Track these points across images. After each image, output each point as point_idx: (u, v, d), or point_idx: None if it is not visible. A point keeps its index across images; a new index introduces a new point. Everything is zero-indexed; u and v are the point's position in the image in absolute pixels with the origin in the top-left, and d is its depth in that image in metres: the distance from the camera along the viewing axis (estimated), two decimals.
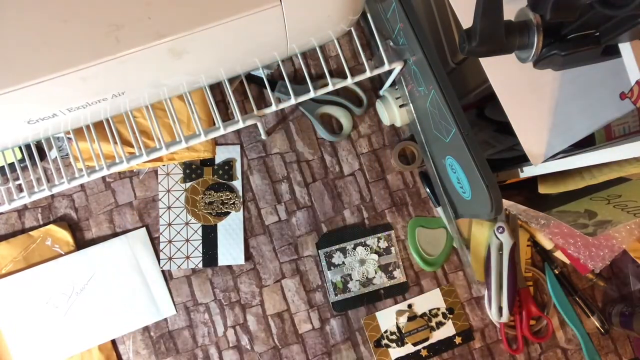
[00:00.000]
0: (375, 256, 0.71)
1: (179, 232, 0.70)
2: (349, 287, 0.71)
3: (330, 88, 0.61)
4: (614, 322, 0.72)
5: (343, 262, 0.71)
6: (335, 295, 0.71)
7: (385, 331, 0.71)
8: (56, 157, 0.64)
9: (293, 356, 0.70)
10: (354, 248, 0.71)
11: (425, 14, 0.67)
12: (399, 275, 0.72)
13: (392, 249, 0.72)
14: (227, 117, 0.72)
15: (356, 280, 0.71)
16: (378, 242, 0.72)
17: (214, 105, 0.60)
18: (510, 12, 0.38)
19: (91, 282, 0.68)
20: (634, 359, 0.74)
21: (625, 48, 0.38)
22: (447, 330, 0.71)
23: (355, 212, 0.73)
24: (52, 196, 0.69)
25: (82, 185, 0.70)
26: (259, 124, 0.66)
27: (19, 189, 0.64)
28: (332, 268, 0.71)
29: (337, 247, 0.71)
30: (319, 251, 0.71)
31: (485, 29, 0.36)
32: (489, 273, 0.71)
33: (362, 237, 0.72)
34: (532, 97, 0.52)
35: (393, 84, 0.69)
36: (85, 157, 0.65)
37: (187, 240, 0.70)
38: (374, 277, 0.71)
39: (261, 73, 0.63)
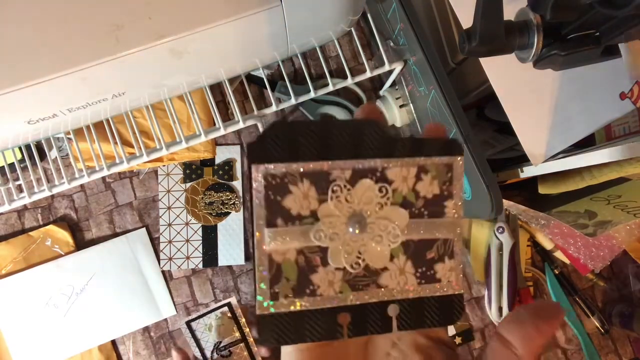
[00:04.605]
0: None
1: (179, 233, 0.70)
2: None
3: (330, 88, 0.61)
4: (614, 322, 0.72)
5: None
6: None
7: None
8: (56, 157, 0.64)
9: None
10: None
11: (425, 14, 0.67)
12: None
13: None
14: (227, 117, 0.72)
15: None
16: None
17: (214, 105, 0.60)
18: (510, 12, 0.38)
19: (91, 283, 0.68)
20: (634, 359, 0.74)
21: (625, 48, 0.38)
22: (447, 330, 0.71)
23: None
24: (52, 196, 0.69)
25: (82, 186, 0.70)
26: (259, 124, 0.66)
27: (19, 189, 0.64)
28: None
29: None
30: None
31: (485, 29, 0.36)
32: (489, 273, 0.71)
33: None
34: (532, 97, 0.52)
35: (393, 84, 0.69)
36: (85, 158, 0.65)
37: (187, 241, 0.70)
38: None
39: (261, 73, 0.63)
